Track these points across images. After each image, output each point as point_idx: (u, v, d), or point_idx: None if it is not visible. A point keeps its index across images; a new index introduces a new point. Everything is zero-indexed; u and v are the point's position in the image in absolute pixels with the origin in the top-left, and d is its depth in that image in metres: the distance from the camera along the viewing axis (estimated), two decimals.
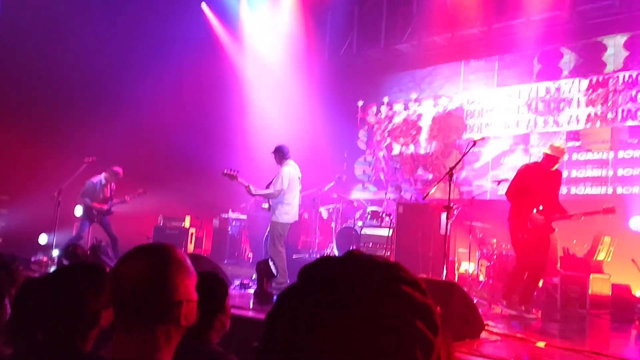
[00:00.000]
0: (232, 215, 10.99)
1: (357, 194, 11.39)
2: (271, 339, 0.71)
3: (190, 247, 10.66)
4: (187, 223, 10.85)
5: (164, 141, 11.22)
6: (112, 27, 10.99)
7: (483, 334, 4.49)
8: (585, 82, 9.16)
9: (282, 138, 10.67)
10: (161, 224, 10.82)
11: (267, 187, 7.26)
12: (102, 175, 8.86)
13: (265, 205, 7.48)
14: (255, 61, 12.17)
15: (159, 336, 1.48)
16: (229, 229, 10.86)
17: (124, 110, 10.64)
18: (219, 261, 8.18)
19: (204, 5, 12.42)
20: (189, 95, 11.32)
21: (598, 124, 8.96)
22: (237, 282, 7.03)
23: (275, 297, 4.22)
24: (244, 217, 11.01)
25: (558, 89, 9.46)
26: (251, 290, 6.41)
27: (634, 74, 8.66)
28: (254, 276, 6.66)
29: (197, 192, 10.77)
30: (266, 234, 7.56)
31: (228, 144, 11.55)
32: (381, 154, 11.81)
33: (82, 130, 10.29)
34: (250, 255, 10.70)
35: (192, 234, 10.81)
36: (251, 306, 5.46)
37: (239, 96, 12.08)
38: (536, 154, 9.49)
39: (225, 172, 7.24)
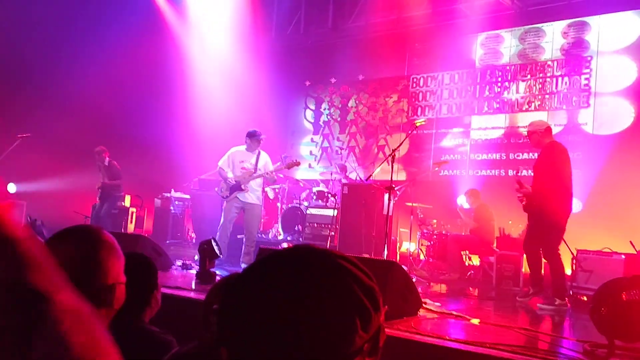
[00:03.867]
0: (174, 194, 10.78)
1: (303, 174, 11.40)
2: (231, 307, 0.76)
3: (131, 227, 10.41)
4: (127, 202, 10.57)
5: (103, 119, 10.84)
6: (53, 4, 10.42)
7: (420, 312, 4.62)
8: (523, 68, 9.46)
9: (227, 118, 10.57)
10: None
11: (256, 170, 7.46)
12: None
13: (224, 190, 7.51)
14: (200, 39, 11.88)
15: None
16: (172, 208, 10.65)
17: (61, 87, 10.20)
18: (161, 241, 8.05)
19: None
20: (131, 72, 10.93)
21: (533, 107, 9.28)
22: (179, 263, 6.93)
23: (219, 277, 4.17)
24: (187, 196, 10.82)
25: (499, 73, 9.72)
26: (193, 271, 6.33)
27: (571, 60, 9.00)
28: (197, 257, 6.59)
29: (137, 171, 10.50)
30: (223, 221, 7.47)
31: (171, 123, 11.30)
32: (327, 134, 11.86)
33: (16, 106, 9.81)
34: (194, 235, 10.54)
35: (132, 213, 10.55)
36: (193, 286, 5.39)
37: (183, 74, 11.79)
38: (476, 137, 9.77)
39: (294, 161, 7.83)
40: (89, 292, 1.44)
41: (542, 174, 5.67)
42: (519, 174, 5.94)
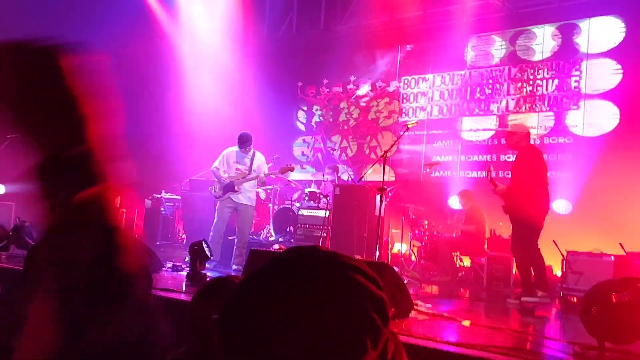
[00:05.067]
0: (165, 195, 10.71)
1: (295, 175, 11.38)
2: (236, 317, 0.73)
3: None
4: (117, 203, 10.48)
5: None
6: (42, 1, 10.32)
7: (412, 314, 4.62)
8: (514, 70, 9.50)
9: (219, 118, 10.53)
10: None
11: (250, 172, 7.46)
12: None
13: (217, 190, 7.47)
14: (191, 39, 11.84)
15: None
16: (162, 209, 10.59)
17: None
18: (151, 242, 8.01)
19: None
20: (122, 71, 10.83)
21: (524, 109, 9.32)
22: (169, 264, 6.90)
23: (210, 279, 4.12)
24: (177, 197, 10.76)
25: (490, 75, 9.76)
26: (184, 273, 6.30)
27: (560, 63, 9.04)
28: (187, 258, 6.56)
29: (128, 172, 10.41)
30: (216, 222, 7.43)
31: (162, 123, 11.24)
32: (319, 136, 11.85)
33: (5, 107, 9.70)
34: (184, 236, 10.49)
35: (122, 214, 10.48)
36: (184, 288, 5.37)
37: (175, 74, 11.74)
38: (467, 139, 9.80)
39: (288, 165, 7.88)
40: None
41: (519, 175, 5.97)
42: (491, 175, 6.14)
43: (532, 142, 6.47)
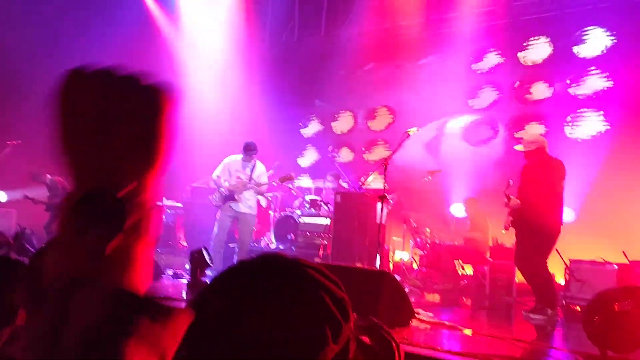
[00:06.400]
0: (166, 202, 10.70)
1: (296, 182, 11.36)
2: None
3: None
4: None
5: None
6: (40, 5, 10.37)
7: (413, 322, 4.58)
8: (515, 76, 9.54)
9: (220, 125, 10.53)
10: None
11: (250, 181, 7.43)
12: None
13: (217, 199, 7.47)
14: (193, 45, 11.87)
15: None
16: (163, 216, 10.57)
17: (51, 92, 10.11)
18: None
19: None
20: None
21: (525, 117, 9.34)
22: (170, 272, 6.87)
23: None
24: (179, 205, 10.74)
25: (491, 83, 9.78)
26: (184, 281, 6.28)
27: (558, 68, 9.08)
28: (188, 266, 6.53)
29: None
30: (217, 231, 7.41)
31: None
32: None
33: (6, 114, 9.74)
34: (185, 244, 10.47)
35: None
36: (184, 296, 5.34)
37: (176, 80, 11.74)
38: (470, 147, 9.79)
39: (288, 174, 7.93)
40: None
41: (538, 188, 5.61)
42: (508, 189, 5.83)
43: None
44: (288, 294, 0.72)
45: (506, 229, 5.93)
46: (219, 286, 0.76)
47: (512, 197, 5.77)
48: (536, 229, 5.53)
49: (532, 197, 5.61)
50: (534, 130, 9.02)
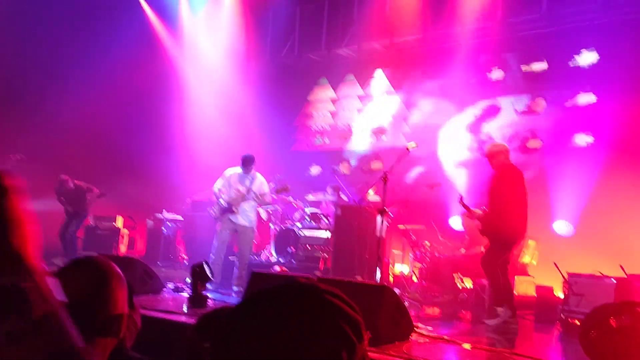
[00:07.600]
0: (167, 215, 10.71)
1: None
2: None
3: (123, 249, 10.35)
4: (119, 223, 10.52)
5: (96, 139, 10.84)
6: (45, 21, 10.46)
7: (412, 336, 4.61)
8: (512, 92, 9.61)
9: (221, 138, 10.60)
10: (92, 224, 10.44)
11: (249, 194, 7.45)
12: None
13: (216, 211, 7.52)
14: (195, 60, 11.98)
15: (97, 350, 1.50)
16: (164, 229, 10.59)
17: (54, 107, 10.21)
18: (152, 263, 7.99)
19: (142, 1, 12.06)
20: (125, 93, 10.98)
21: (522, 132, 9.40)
22: (170, 285, 6.89)
23: (210, 302, 4.11)
24: (179, 217, 10.77)
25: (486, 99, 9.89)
26: (185, 294, 6.30)
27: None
28: (189, 279, 6.55)
29: (130, 192, 10.48)
30: (216, 243, 7.45)
31: (164, 143, 11.31)
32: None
33: (9, 127, 9.81)
34: (185, 257, 10.48)
35: (124, 235, 10.50)
36: (185, 310, 5.36)
37: (178, 95, 11.85)
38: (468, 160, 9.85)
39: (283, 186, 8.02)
40: (99, 321, 1.49)
41: (501, 195, 5.80)
42: (463, 200, 6.11)
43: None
44: (307, 323, 0.78)
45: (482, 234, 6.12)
46: (241, 315, 0.82)
47: (471, 208, 6.11)
48: (499, 235, 5.77)
49: (496, 204, 5.83)
50: (533, 144, 9.09)
